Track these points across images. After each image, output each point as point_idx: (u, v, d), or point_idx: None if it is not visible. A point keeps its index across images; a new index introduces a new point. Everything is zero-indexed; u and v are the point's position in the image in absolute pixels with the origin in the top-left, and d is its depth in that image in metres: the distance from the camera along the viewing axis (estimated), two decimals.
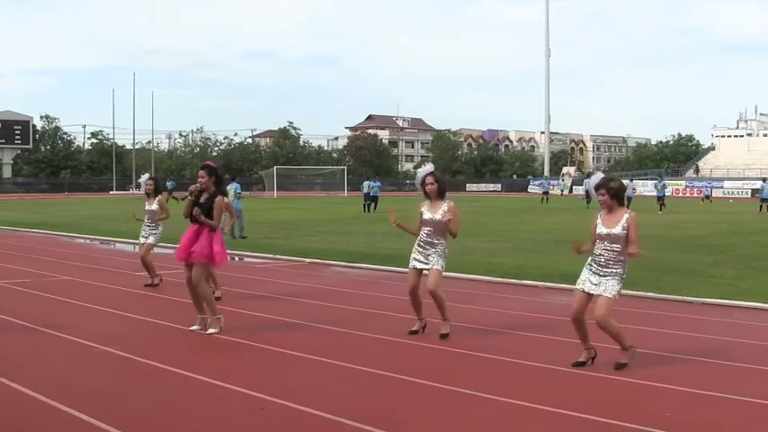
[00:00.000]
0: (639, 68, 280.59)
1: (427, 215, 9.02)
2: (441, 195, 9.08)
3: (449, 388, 6.95)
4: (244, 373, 7.50)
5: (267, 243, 21.17)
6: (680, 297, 11.85)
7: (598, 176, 7.90)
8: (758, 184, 73.43)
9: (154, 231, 13.15)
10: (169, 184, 54.01)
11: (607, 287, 7.50)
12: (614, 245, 7.50)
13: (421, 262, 9.06)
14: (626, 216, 7.54)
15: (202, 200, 9.42)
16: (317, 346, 8.57)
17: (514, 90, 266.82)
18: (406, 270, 15.09)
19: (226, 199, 9.66)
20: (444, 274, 9.17)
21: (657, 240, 19.99)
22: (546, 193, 59.12)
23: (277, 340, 8.88)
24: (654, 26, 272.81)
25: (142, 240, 13.32)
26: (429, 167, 9.32)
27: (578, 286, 7.72)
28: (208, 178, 9.46)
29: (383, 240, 22.31)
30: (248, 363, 8.03)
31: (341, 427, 5.85)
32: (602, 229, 7.58)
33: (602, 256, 7.56)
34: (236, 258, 18.28)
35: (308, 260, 17.35)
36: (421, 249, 9.07)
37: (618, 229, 7.48)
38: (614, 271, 7.54)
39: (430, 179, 9.06)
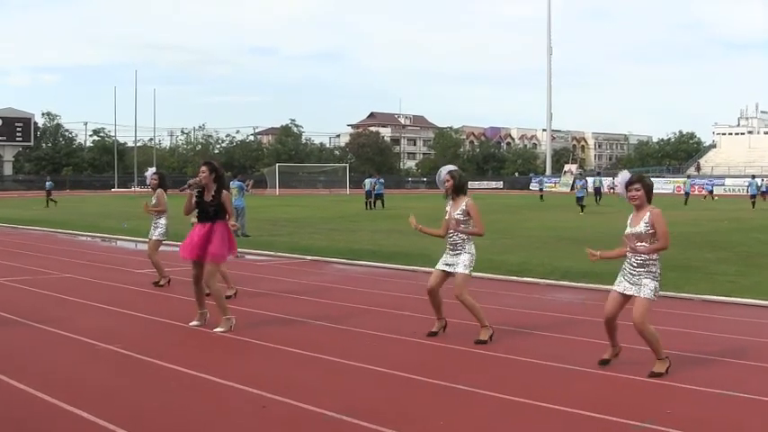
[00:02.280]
0: (641, 66, 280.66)
1: (449, 214, 8.89)
2: (459, 192, 8.93)
3: (451, 385, 6.91)
4: (245, 370, 7.48)
5: (269, 240, 21.15)
6: (681, 294, 11.81)
7: (626, 174, 7.58)
8: (759, 182, 73.73)
9: (157, 226, 13.10)
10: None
11: (642, 288, 7.27)
12: (639, 244, 7.28)
13: (447, 264, 8.85)
14: (648, 214, 7.29)
15: (207, 198, 9.42)
16: (318, 343, 8.55)
17: (517, 87, 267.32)
18: (410, 267, 15.17)
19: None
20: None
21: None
22: (541, 190, 58.81)
23: (279, 337, 8.86)
24: (656, 23, 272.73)
25: (150, 234, 13.29)
26: (449, 166, 9.21)
27: (613, 287, 7.51)
28: (208, 174, 9.45)
29: (386, 238, 22.30)
30: (249, 360, 8.01)
31: (343, 424, 5.82)
32: (627, 230, 7.37)
33: (633, 256, 7.34)
34: (238, 256, 18.23)
35: (309, 257, 17.33)
36: (450, 250, 8.88)
37: (641, 227, 7.27)
38: (647, 270, 7.28)
39: (446, 176, 8.94)
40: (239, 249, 18.66)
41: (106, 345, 8.36)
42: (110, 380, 7.13)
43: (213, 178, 9.48)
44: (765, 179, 50.08)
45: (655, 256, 7.30)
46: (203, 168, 9.57)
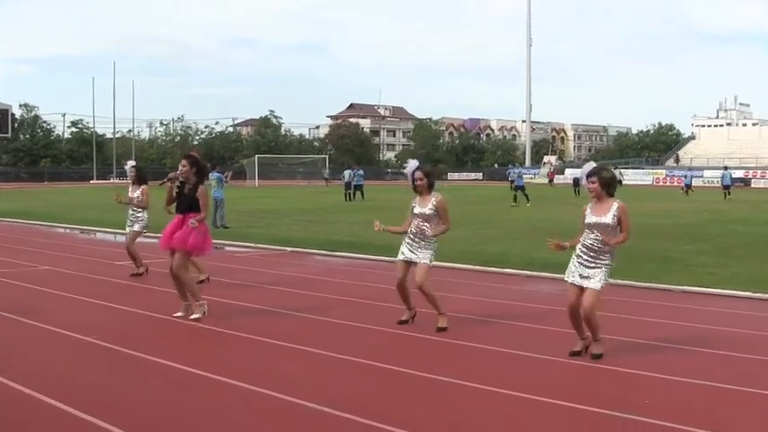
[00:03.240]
0: (621, 58, 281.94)
1: (417, 209, 8.96)
2: (430, 189, 9.02)
3: (431, 377, 6.95)
4: (226, 362, 7.48)
5: (248, 232, 21.11)
6: (660, 285, 11.90)
7: (590, 165, 7.80)
8: (739, 173, 74.48)
9: (138, 219, 13.10)
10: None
11: (594, 280, 7.47)
12: (604, 235, 7.45)
13: (409, 254, 8.99)
14: (616, 205, 7.48)
15: (186, 191, 9.47)
16: (299, 335, 8.57)
17: (496, 79, 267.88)
18: (389, 259, 15.14)
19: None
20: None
21: (638, 229, 19.83)
22: (512, 181, 58.21)
23: (259, 329, 8.87)
24: (635, 16, 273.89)
25: (127, 229, 13.29)
26: (415, 162, 9.27)
27: (568, 279, 7.68)
28: (189, 168, 9.47)
29: (365, 229, 22.24)
30: (230, 352, 8.01)
31: (325, 416, 5.84)
32: (591, 218, 7.52)
33: (593, 246, 7.51)
34: (217, 247, 18.19)
35: (289, 249, 17.33)
36: (410, 242, 9.01)
37: (608, 219, 7.44)
38: (603, 262, 7.51)
39: (419, 174, 8.98)
40: (220, 241, 18.70)
41: (86, 337, 8.34)
42: (90, 373, 7.12)
43: (194, 172, 9.51)
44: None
45: (612, 248, 7.52)
46: (184, 162, 9.60)
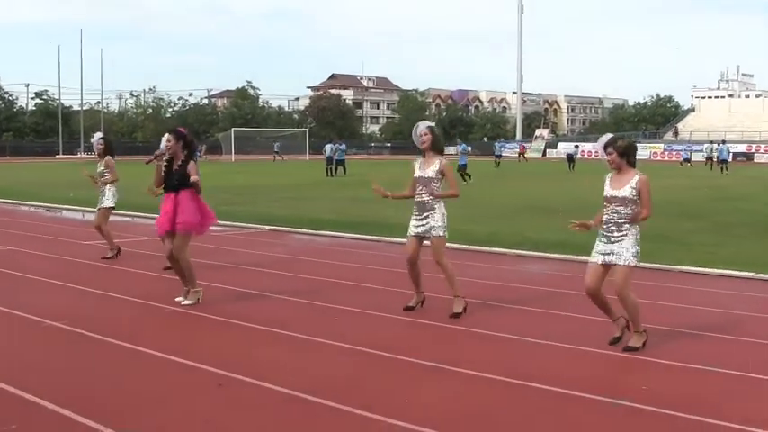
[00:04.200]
0: (617, 26, 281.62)
1: (418, 173, 8.73)
2: (435, 149, 8.78)
3: (415, 361, 6.97)
4: (202, 348, 7.45)
5: (225, 210, 20.93)
6: (658, 265, 11.93)
7: (606, 137, 7.69)
8: (741, 148, 74.92)
9: (107, 195, 12.91)
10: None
11: (622, 254, 7.28)
12: (624, 208, 7.30)
13: (419, 227, 8.75)
14: (636, 178, 7.33)
15: (175, 167, 9.33)
16: (279, 319, 8.56)
17: (486, 48, 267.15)
18: (376, 238, 15.18)
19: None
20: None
21: None
22: (499, 156, 58.22)
23: (238, 312, 8.85)
24: None
25: (98, 206, 13.09)
26: (426, 122, 9.04)
27: (592, 259, 7.48)
28: (175, 143, 9.34)
29: (349, 206, 22.29)
30: (208, 337, 7.99)
31: (303, 403, 5.84)
32: (609, 192, 7.38)
33: (612, 220, 7.36)
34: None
35: (269, 227, 17.29)
36: (417, 213, 8.78)
37: (627, 191, 7.29)
38: (628, 230, 7.31)
39: (424, 130, 8.76)
40: None
41: (53, 322, 8.28)
42: (57, 360, 7.08)
43: (181, 146, 9.38)
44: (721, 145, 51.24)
45: (634, 221, 7.35)
46: (168, 137, 9.42)
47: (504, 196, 27.03)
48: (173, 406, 5.83)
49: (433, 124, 9.11)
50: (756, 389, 6.44)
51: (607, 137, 7.68)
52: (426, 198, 8.72)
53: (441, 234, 8.70)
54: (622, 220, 7.32)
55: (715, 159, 50.52)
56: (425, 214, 8.73)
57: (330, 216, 19.32)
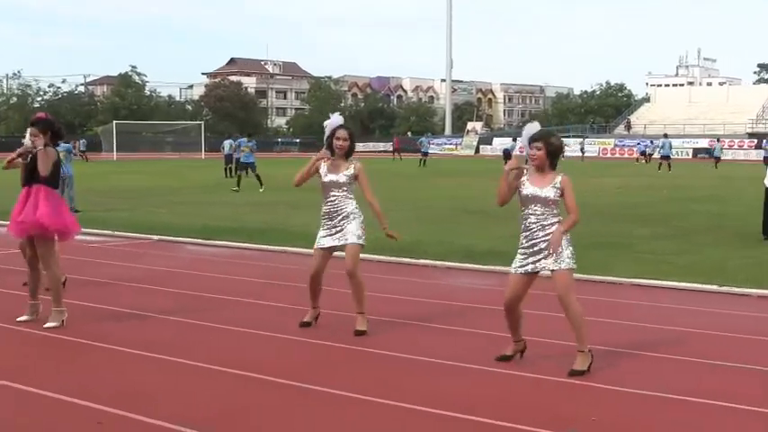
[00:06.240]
0: (561, 6, 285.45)
1: (328, 177, 8.77)
2: (348, 155, 8.86)
3: (311, 387, 7.04)
4: (79, 379, 7.36)
5: (104, 216, 20.80)
6: (607, 277, 12.06)
7: (535, 126, 7.74)
8: (703, 143, 76.65)
9: None
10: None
11: (557, 258, 7.36)
12: (547, 209, 7.40)
13: (331, 239, 8.82)
14: (559, 177, 7.41)
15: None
16: (163, 342, 8.54)
17: (409, 31, 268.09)
18: (279, 248, 15.15)
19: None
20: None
21: (583, 209, 20.11)
22: (425, 154, 58.55)
23: (116, 336, 8.78)
24: None
25: None
26: (340, 118, 8.99)
27: (515, 269, 7.53)
28: (42, 136, 9.11)
29: (251, 212, 22.20)
30: (85, 366, 7.88)
31: None
32: (528, 189, 7.43)
33: (535, 223, 7.43)
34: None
35: (155, 237, 17.15)
36: (328, 221, 8.85)
37: (550, 192, 7.37)
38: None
39: (343, 134, 8.76)
40: None
41: None
42: None
43: (50, 137, 9.17)
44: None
45: (558, 222, 7.45)
46: (33, 131, 9.16)
47: (432, 198, 27.13)
48: None
49: (342, 119, 9.03)
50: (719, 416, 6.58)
51: (535, 127, 7.74)
52: (339, 203, 8.78)
53: (358, 242, 8.78)
54: (547, 222, 7.42)
55: (657, 155, 51.93)
56: (339, 222, 8.78)
57: (228, 223, 19.23)
